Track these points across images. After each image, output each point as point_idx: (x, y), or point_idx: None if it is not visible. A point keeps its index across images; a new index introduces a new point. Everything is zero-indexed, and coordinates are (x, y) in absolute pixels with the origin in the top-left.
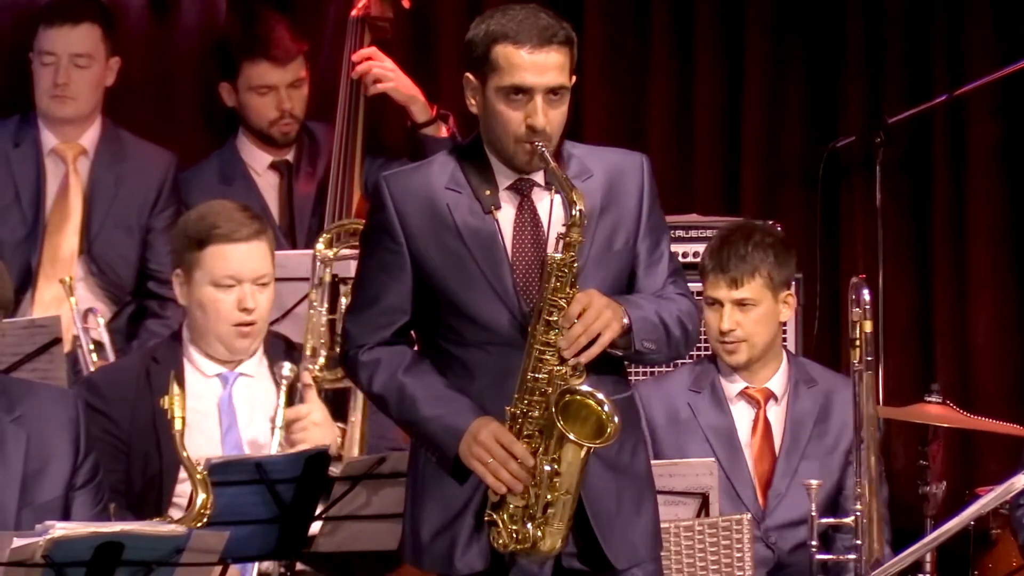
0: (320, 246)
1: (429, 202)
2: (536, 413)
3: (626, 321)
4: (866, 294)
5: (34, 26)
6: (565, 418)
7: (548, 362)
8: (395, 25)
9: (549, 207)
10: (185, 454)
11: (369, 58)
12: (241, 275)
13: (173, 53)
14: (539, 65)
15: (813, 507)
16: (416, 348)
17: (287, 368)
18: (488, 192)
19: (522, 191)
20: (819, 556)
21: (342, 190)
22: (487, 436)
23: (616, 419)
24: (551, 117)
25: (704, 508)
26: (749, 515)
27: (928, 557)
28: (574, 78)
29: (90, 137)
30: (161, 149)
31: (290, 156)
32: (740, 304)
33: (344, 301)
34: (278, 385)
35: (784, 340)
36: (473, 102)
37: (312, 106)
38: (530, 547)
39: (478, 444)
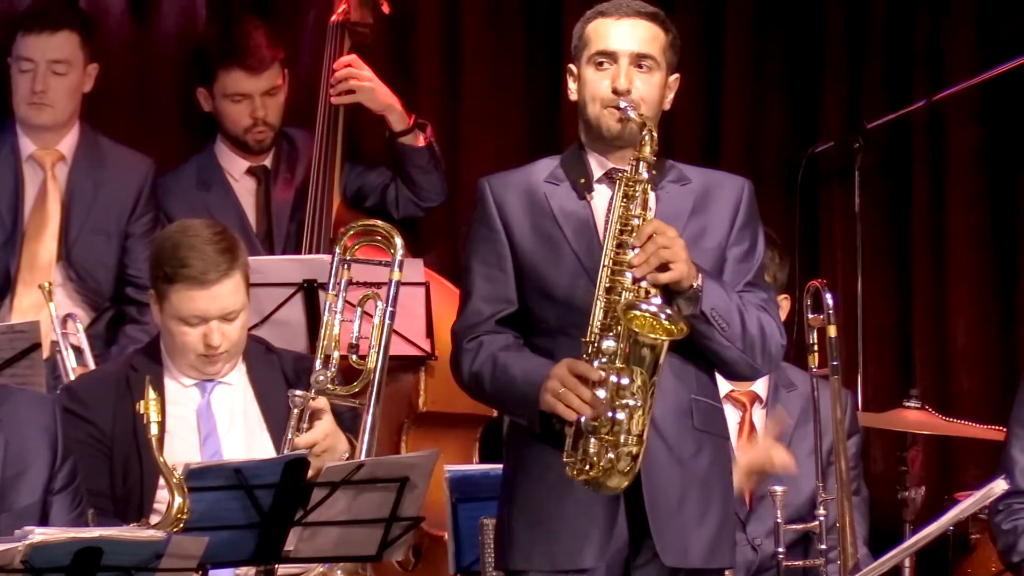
0: (338, 251)
1: (528, 193)
2: (609, 336)
3: (697, 283)
4: (829, 299)
5: (13, 32)
6: (632, 325)
7: (620, 283)
8: (374, 30)
9: (641, 198)
10: (161, 459)
11: (348, 66)
12: (207, 315)
13: (152, 58)
14: (624, 32)
15: (779, 514)
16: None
17: (299, 393)
18: (583, 180)
19: (615, 181)
20: (786, 563)
21: (321, 196)
22: (560, 368)
23: (683, 322)
24: (637, 84)
25: None
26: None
27: (907, 562)
28: (676, 76)
29: (68, 143)
30: (139, 155)
31: (267, 162)
32: None
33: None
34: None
35: None
36: (572, 89)
37: (291, 111)
38: (600, 474)
39: (552, 378)
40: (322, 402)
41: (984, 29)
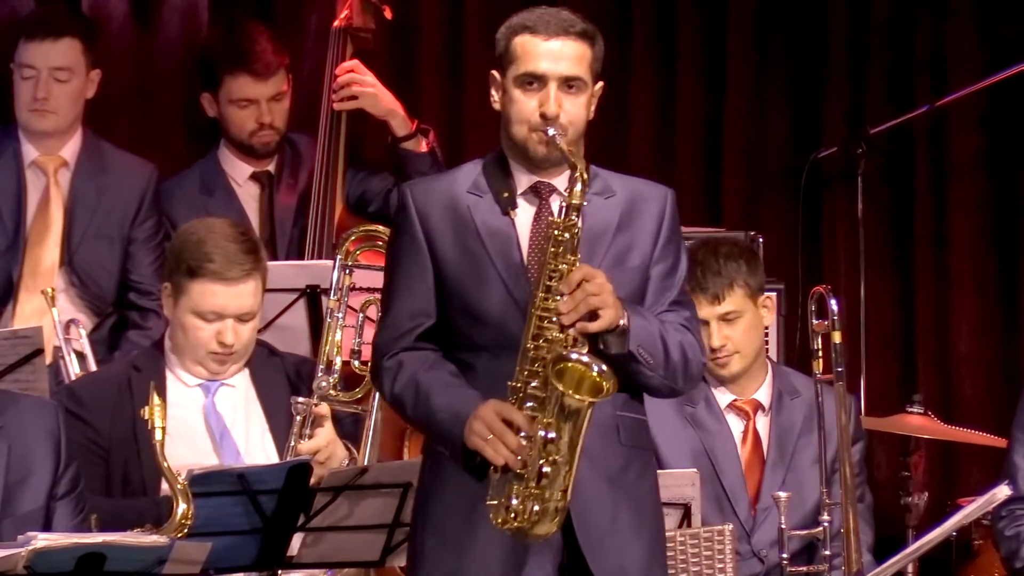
0: (340, 256)
1: (451, 205)
2: (536, 383)
3: (624, 322)
4: (834, 304)
5: (15, 38)
6: (562, 382)
7: (548, 330)
8: (377, 36)
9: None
10: (165, 464)
11: (351, 71)
12: (225, 312)
13: (155, 63)
14: (553, 53)
15: (783, 520)
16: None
17: (302, 400)
18: (507, 194)
19: (541, 194)
20: (791, 569)
21: (324, 201)
22: (487, 411)
23: (613, 380)
24: (566, 108)
25: (686, 519)
26: (731, 526)
27: (910, 568)
28: (601, 84)
29: (71, 149)
30: (142, 160)
31: (271, 167)
32: (725, 319)
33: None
34: (292, 418)
35: (766, 350)
36: (496, 98)
37: (294, 117)
38: (527, 524)
39: (478, 420)
40: (324, 408)
41: (986, 35)
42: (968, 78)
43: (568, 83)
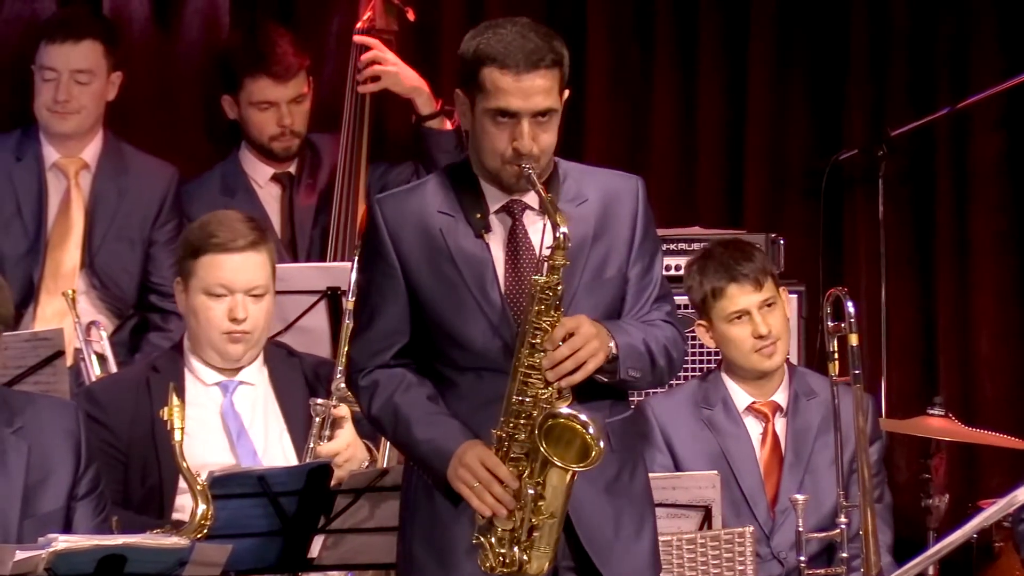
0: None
1: (423, 226)
2: (522, 436)
3: (613, 349)
4: (850, 307)
5: (36, 40)
6: (549, 441)
7: (533, 385)
8: (400, 38)
9: (542, 230)
10: (185, 464)
11: (372, 50)
12: (233, 285)
13: (176, 65)
14: (525, 90)
15: (800, 523)
16: (415, 370)
17: (321, 401)
18: (479, 215)
19: (513, 214)
20: (809, 571)
21: (346, 202)
22: (472, 459)
23: (601, 443)
24: (539, 140)
25: (707, 521)
26: (751, 528)
27: (931, 570)
28: (567, 93)
29: (92, 151)
30: (163, 162)
31: (292, 168)
32: (767, 305)
33: (349, 315)
34: (310, 418)
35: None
36: (463, 119)
37: (315, 118)
38: (516, 570)
39: (463, 467)
40: (344, 410)
41: (1008, 37)
42: (989, 80)
43: (541, 115)
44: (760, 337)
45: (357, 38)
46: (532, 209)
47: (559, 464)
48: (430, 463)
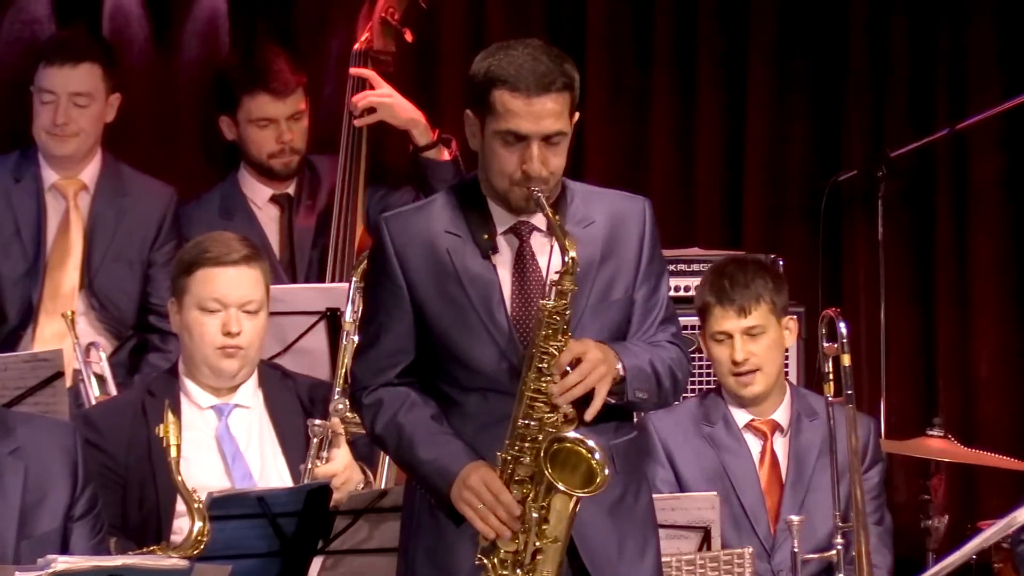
0: (355, 278)
1: (430, 247)
2: (527, 460)
3: (620, 371)
4: (843, 327)
5: (35, 62)
6: (554, 466)
7: (539, 409)
8: (397, 59)
9: (549, 252)
10: (180, 478)
11: (368, 85)
12: (227, 299)
13: (176, 87)
14: (535, 113)
15: (795, 544)
16: (419, 388)
17: (319, 423)
18: (486, 236)
19: (521, 235)
20: None
21: (345, 223)
22: (476, 481)
23: (606, 469)
24: (549, 163)
25: (706, 542)
26: (751, 548)
27: None
28: (576, 115)
29: (90, 172)
30: (161, 183)
31: (291, 189)
32: (749, 333)
33: (346, 336)
34: (306, 440)
35: (786, 372)
36: (471, 139)
37: (314, 139)
38: None
39: (468, 488)
40: (340, 429)
41: (1007, 57)
42: (988, 101)
43: (551, 138)
44: (735, 363)
45: (353, 70)
46: (539, 231)
47: (564, 489)
48: (433, 483)
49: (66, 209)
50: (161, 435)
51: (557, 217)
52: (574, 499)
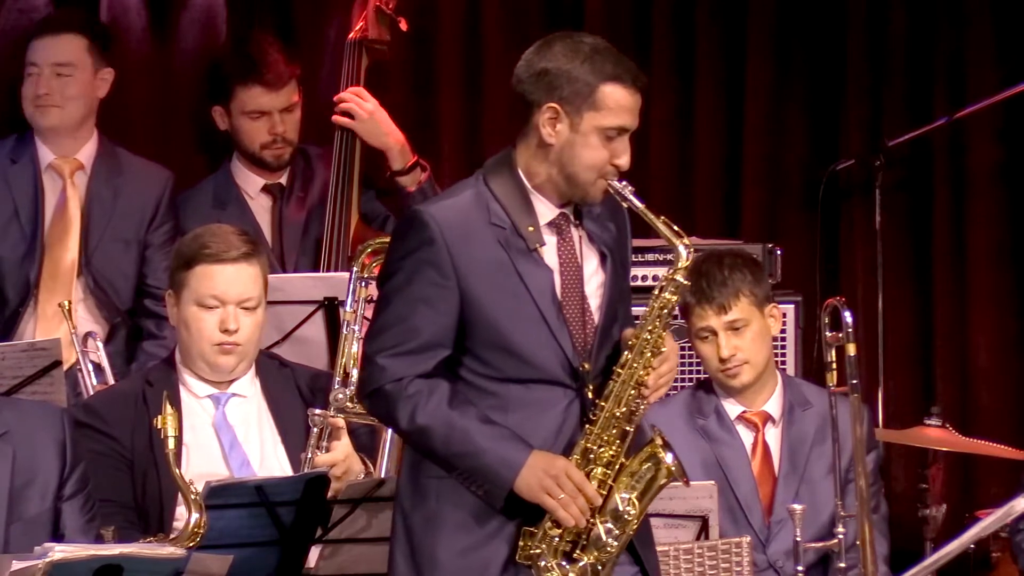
0: (356, 268)
1: (479, 239)
2: (611, 451)
3: None
4: (848, 317)
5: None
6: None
7: (631, 399)
8: (393, 48)
9: (579, 243)
10: (177, 471)
11: (355, 94)
12: (225, 297)
13: (173, 76)
14: (636, 107)
15: (798, 532)
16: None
17: (319, 412)
18: (531, 228)
19: (560, 227)
20: None
21: (339, 213)
22: (559, 471)
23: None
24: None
25: (704, 531)
26: (748, 538)
27: None
28: None
29: (87, 152)
30: (158, 166)
31: (283, 179)
32: (733, 328)
33: (347, 326)
34: (305, 429)
35: (783, 363)
36: (551, 131)
37: (312, 130)
38: None
39: (549, 478)
40: (340, 421)
41: (1005, 47)
42: (986, 90)
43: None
44: (722, 360)
45: (341, 102)
46: (574, 223)
47: (672, 474)
48: (493, 472)
49: (63, 187)
50: (159, 426)
51: (645, 209)
52: (654, 491)
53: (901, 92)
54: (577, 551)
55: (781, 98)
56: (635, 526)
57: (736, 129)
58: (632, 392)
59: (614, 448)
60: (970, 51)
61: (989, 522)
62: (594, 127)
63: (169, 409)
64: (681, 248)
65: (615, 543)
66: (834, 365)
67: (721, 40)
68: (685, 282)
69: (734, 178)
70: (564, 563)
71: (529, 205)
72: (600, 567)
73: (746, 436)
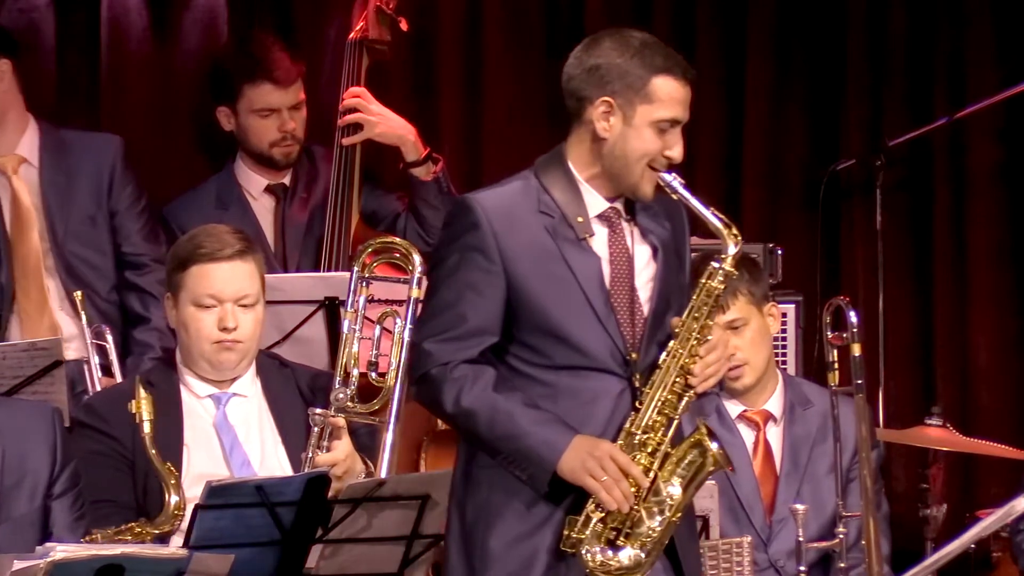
0: (357, 268)
1: (527, 225)
2: (656, 436)
3: None
4: (853, 316)
5: None
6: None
7: (678, 384)
8: (393, 48)
9: (631, 236)
10: (153, 452)
11: (357, 98)
12: (222, 295)
13: (173, 76)
14: (688, 101)
15: (800, 532)
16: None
17: (320, 411)
18: (580, 219)
19: (610, 220)
20: None
21: (340, 213)
22: (603, 453)
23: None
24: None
25: (704, 530)
26: (749, 538)
27: None
28: None
29: (27, 144)
30: (104, 134)
31: (286, 179)
32: (732, 328)
33: (347, 325)
34: (305, 429)
35: (783, 363)
36: (606, 125)
37: (313, 130)
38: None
39: (593, 459)
40: (341, 421)
41: (1005, 46)
42: (987, 90)
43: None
44: None
45: (345, 112)
46: (624, 216)
47: (719, 458)
48: (537, 454)
49: (8, 183)
50: (133, 411)
51: (694, 199)
52: (702, 477)
53: (901, 92)
54: (621, 538)
55: (781, 98)
56: (679, 514)
57: (736, 129)
58: (678, 380)
59: (659, 435)
60: (970, 51)
61: (989, 522)
62: (647, 120)
63: (143, 394)
64: (729, 238)
65: (659, 529)
66: (836, 365)
67: (721, 40)
68: (733, 271)
69: (734, 178)
70: (609, 550)
71: (579, 197)
72: (644, 555)
73: (747, 435)
